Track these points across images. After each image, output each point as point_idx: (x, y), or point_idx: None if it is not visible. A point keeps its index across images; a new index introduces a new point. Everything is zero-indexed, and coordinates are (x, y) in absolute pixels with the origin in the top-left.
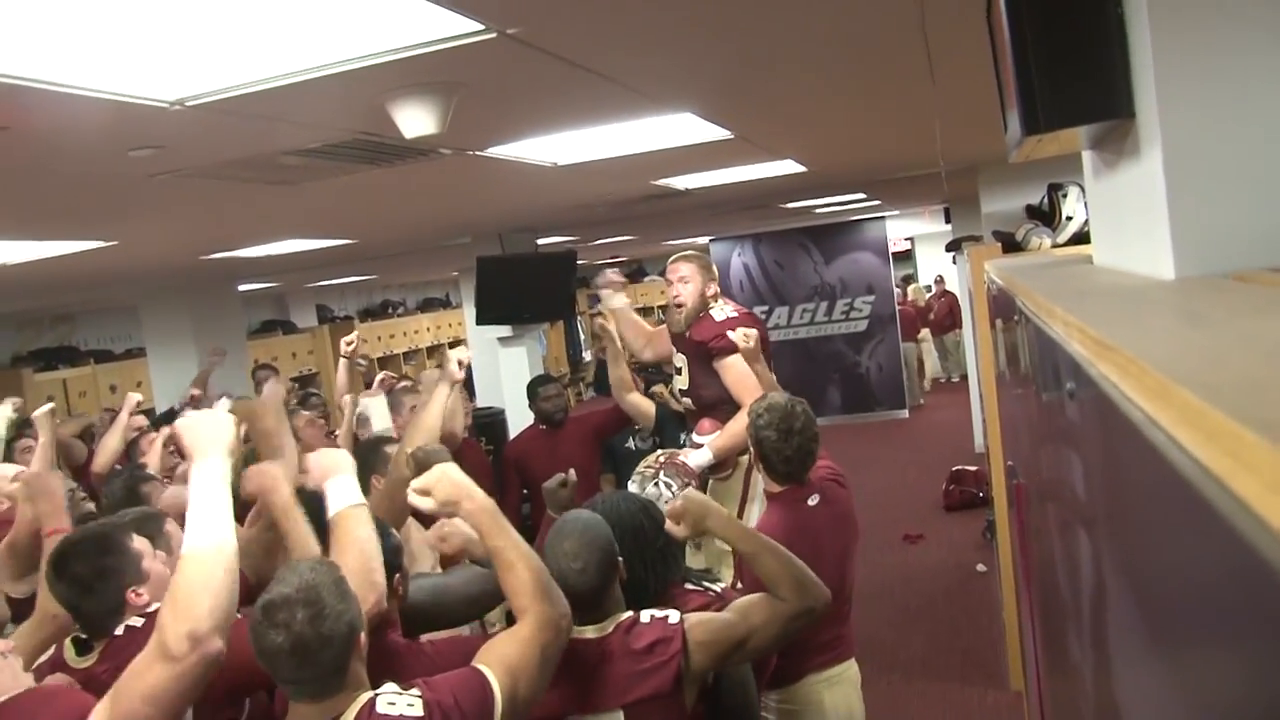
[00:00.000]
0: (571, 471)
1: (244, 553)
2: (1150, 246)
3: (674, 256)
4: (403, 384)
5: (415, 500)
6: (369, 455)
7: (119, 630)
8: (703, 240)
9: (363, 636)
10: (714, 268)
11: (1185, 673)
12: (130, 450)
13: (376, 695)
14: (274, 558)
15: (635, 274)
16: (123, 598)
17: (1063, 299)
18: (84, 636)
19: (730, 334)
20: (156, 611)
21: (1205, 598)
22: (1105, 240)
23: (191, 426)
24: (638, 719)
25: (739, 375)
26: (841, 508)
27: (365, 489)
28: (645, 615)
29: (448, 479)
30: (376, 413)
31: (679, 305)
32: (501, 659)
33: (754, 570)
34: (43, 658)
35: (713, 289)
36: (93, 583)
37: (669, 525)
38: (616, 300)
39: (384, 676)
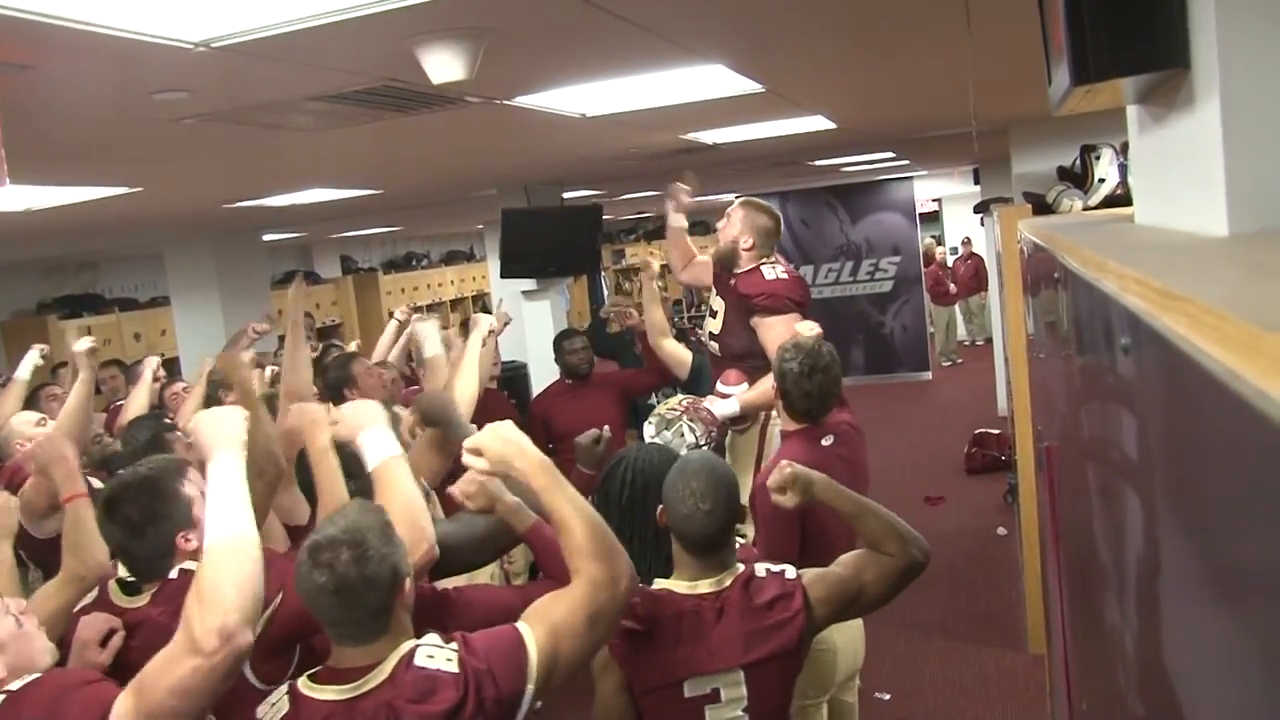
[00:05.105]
0: (606, 428)
1: None
2: (1201, 202)
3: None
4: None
5: (469, 460)
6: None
7: (173, 574)
8: (729, 197)
9: (408, 584)
10: (765, 223)
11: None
12: (162, 399)
13: (417, 646)
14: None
15: (659, 231)
16: (172, 542)
17: (1115, 253)
18: (130, 579)
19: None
20: None
21: None
22: (1150, 198)
23: (206, 422)
24: (758, 678)
25: (777, 336)
26: (855, 454)
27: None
28: (760, 569)
29: (498, 437)
30: (429, 337)
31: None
32: (545, 618)
33: (858, 529)
34: (87, 599)
35: (748, 241)
36: (144, 526)
37: (775, 497)
38: (677, 219)
39: (417, 624)
